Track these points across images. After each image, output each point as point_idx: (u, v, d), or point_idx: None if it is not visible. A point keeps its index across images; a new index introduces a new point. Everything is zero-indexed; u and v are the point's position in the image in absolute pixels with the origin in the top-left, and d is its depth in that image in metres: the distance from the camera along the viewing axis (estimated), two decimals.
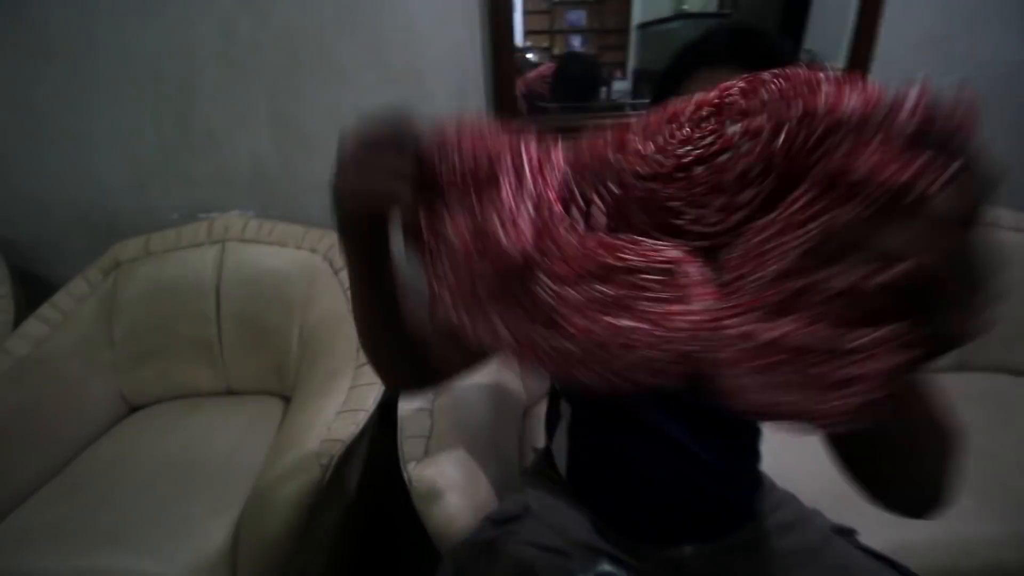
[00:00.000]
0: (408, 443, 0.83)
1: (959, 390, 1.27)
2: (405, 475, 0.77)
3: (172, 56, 1.21)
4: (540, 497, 0.73)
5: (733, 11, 1.41)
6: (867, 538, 0.73)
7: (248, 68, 1.22)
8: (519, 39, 1.28)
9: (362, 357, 1.02)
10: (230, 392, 1.25)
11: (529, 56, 1.35)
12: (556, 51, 1.36)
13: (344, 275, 1.18)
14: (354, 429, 0.86)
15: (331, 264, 1.19)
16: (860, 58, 1.30)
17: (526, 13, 1.27)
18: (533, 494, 0.74)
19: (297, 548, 0.79)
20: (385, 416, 0.95)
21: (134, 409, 1.21)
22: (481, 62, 1.24)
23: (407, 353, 0.55)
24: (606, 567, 0.57)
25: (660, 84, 0.58)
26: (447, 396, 0.93)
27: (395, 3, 1.18)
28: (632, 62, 1.38)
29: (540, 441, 0.85)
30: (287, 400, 1.19)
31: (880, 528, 0.82)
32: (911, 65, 1.32)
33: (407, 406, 0.91)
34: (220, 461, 1.01)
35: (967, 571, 0.88)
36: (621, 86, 1.39)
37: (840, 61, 1.33)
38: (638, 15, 1.35)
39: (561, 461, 0.73)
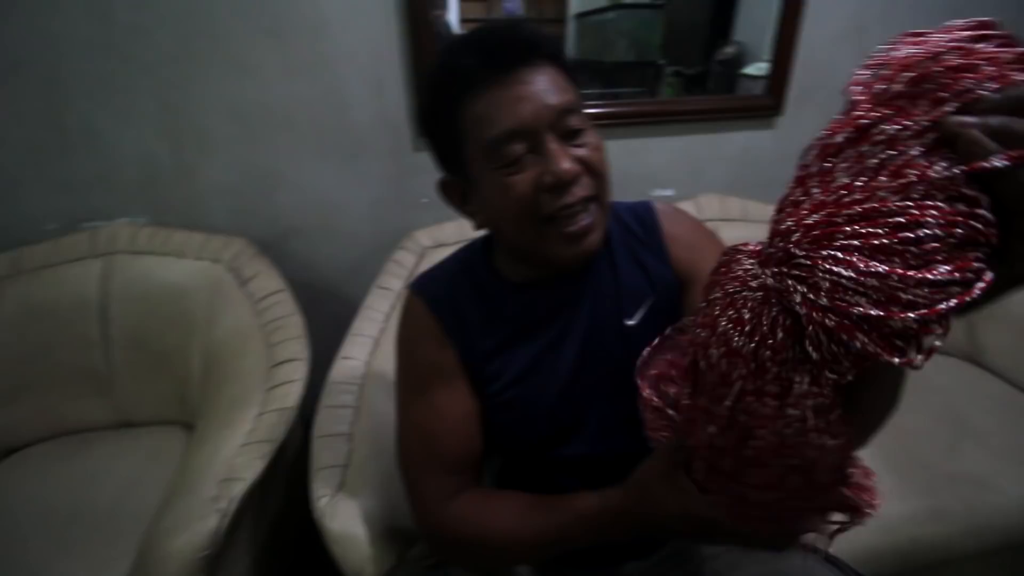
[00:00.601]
0: (321, 475, 0.74)
1: None
2: (315, 513, 0.69)
3: (34, 44, 1.04)
4: None
5: (666, 2, 1.40)
6: None
7: (130, 57, 1.07)
8: (456, 27, 1.21)
9: (274, 378, 0.92)
10: (128, 424, 1.11)
11: None
12: None
13: (253, 285, 1.07)
14: (260, 465, 0.77)
15: (236, 275, 1.07)
16: (785, 50, 1.31)
17: (462, 0, 1.20)
18: None
19: None
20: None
21: (9, 452, 1.05)
22: (399, 51, 1.15)
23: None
24: None
25: (428, 126, 0.56)
26: (369, 418, 0.85)
27: None
28: (570, 52, 1.34)
29: None
30: (190, 429, 1.07)
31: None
32: (831, 56, 1.34)
33: (322, 430, 0.82)
34: (109, 507, 0.88)
35: (888, 548, 0.90)
36: None
37: (766, 53, 1.33)
38: (575, 5, 1.33)
39: None
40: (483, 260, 0.63)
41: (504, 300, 0.61)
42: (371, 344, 0.99)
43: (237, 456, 0.79)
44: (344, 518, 0.68)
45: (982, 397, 1.21)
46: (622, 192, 0.64)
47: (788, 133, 1.40)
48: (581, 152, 0.52)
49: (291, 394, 0.88)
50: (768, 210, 1.26)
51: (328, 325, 1.09)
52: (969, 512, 0.93)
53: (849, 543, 0.87)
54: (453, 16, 1.23)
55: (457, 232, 1.16)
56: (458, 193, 0.58)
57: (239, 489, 0.73)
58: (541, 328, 0.61)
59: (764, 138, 1.40)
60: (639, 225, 0.64)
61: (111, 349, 1.05)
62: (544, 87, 0.50)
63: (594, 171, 0.53)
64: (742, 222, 1.30)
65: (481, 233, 0.63)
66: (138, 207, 1.17)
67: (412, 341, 0.62)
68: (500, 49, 0.50)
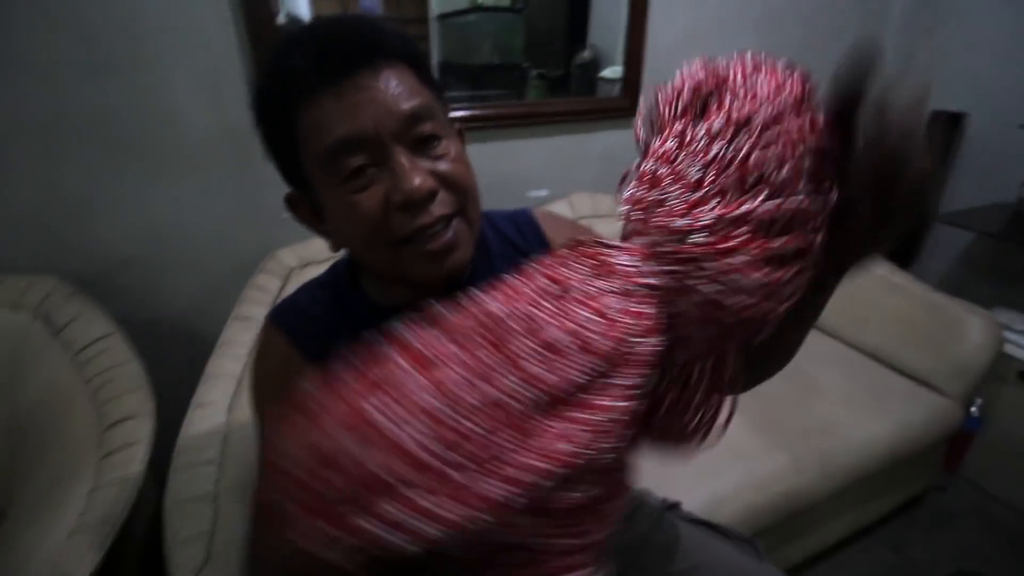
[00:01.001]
0: (181, 551, 0.63)
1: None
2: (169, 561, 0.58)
3: None
4: None
5: (524, 6, 1.41)
6: (686, 500, 0.79)
7: None
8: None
9: (109, 443, 0.76)
10: None
11: None
12: None
13: (70, 332, 0.88)
14: (94, 557, 0.62)
15: (47, 322, 0.88)
16: (634, 55, 1.40)
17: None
18: None
19: None
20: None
21: None
22: (238, 48, 1.02)
23: None
24: None
25: (263, 134, 0.48)
26: (236, 473, 0.73)
27: None
28: (435, 54, 1.34)
29: None
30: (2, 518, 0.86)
31: (696, 490, 0.91)
32: (675, 59, 1.45)
33: (178, 494, 0.70)
34: None
35: (764, 504, 0.99)
36: None
37: (619, 57, 1.41)
38: (436, 6, 1.30)
39: None
40: (347, 283, 0.56)
41: (372, 320, 0.55)
42: (232, 384, 0.87)
43: (65, 548, 0.63)
44: None
45: (818, 355, 1.39)
46: (498, 194, 0.61)
47: None
48: (438, 165, 0.46)
49: (133, 460, 0.73)
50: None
51: (178, 370, 0.95)
52: (823, 459, 1.06)
53: (730, 506, 0.96)
54: (304, 14, 1.13)
55: (325, 249, 1.07)
56: (308, 210, 0.51)
57: None
58: None
59: (625, 137, 1.48)
60: (519, 234, 0.61)
61: None
62: (389, 91, 0.44)
63: (453, 185, 0.47)
64: (594, 217, 1.36)
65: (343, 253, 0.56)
66: None
67: (269, 377, 0.55)
68: (337, 48, 0.44)
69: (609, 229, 0.64)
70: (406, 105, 0.44)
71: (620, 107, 1.44)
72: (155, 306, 1.12)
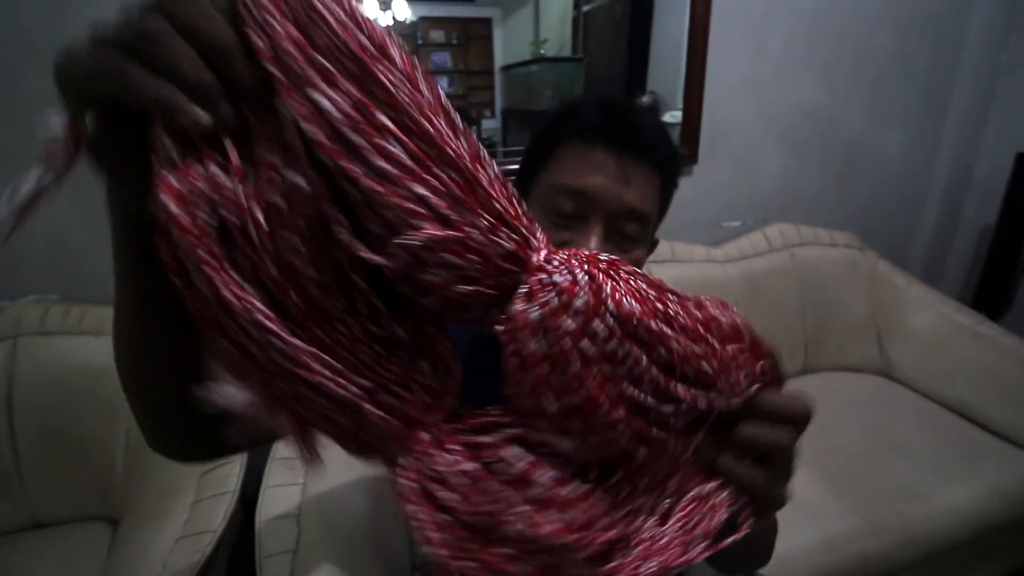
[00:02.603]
0: (268, 564, 0.69)
1: (808, 389, 1.41)
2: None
3: None
4: None
5: (585, 56, 1.50)
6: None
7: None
8: None
9: (209, 463, 0.86)
10: (37, 525, 0.99)
11: None
12: None
13: None
14: (198, 559, 0.70)
15: None
16: (694, 101, 1.43)
17: None
18: None
19: None
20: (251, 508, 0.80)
21: None
22: None
23: (182, 401, 0.32)
24: None
25: (531, 151, 0.56)
26: (317, 496, 0.80)
27: None
28: (499, 102, 1.44)
29: None
30: (115, 524, 0.97)
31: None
32: (733, 105, 1.48)
33: (267, 512, 0.77)
34: None
35: (835, 567, 0.94)
36: (491, 124, 1.46)
37: (678, 102, 1.45)
38: (500, 58, 1.40)
39: None
40: None
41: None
42: None
43: (172, 552, 0.72)
44: None
45: (899, 409, 1.32)
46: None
47: (703, 178, 1.51)
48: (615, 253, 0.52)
49: (230, 476, 0.82)
50: (692, 250, 1.35)
51: None
52: (904, 524, 1.00)
53: (798, 565, 0.92)
54: None
55: None
56: None
57: None
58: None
59: (683, 184, 1.50)
60: None
61: (18, 442, 0.95)
62: (634, 181, 0.50)
63: None
64: (672, 263, 1.38)
65: None
66: (47, 283, 1.08)
67: None
68: (625, 127, 0.51)
69: (668, 273, 0.67)
70: (636, 202, 0.50)
71: (680, 154, 1.48)
72: None
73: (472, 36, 1.37)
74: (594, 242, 0.49)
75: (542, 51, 1.44)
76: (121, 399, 1.09)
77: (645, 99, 1.61)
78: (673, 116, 1.49)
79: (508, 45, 1.40)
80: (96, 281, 1.11)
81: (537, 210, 0.52)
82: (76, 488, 0.98)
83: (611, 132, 0.51)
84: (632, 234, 0.51)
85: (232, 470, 0.83)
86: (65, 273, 1.09)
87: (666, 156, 0.53)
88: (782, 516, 0.85)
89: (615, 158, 0.50)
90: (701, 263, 1.41)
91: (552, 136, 0.54)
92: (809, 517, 0.98)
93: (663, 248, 1.40)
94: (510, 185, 0.30)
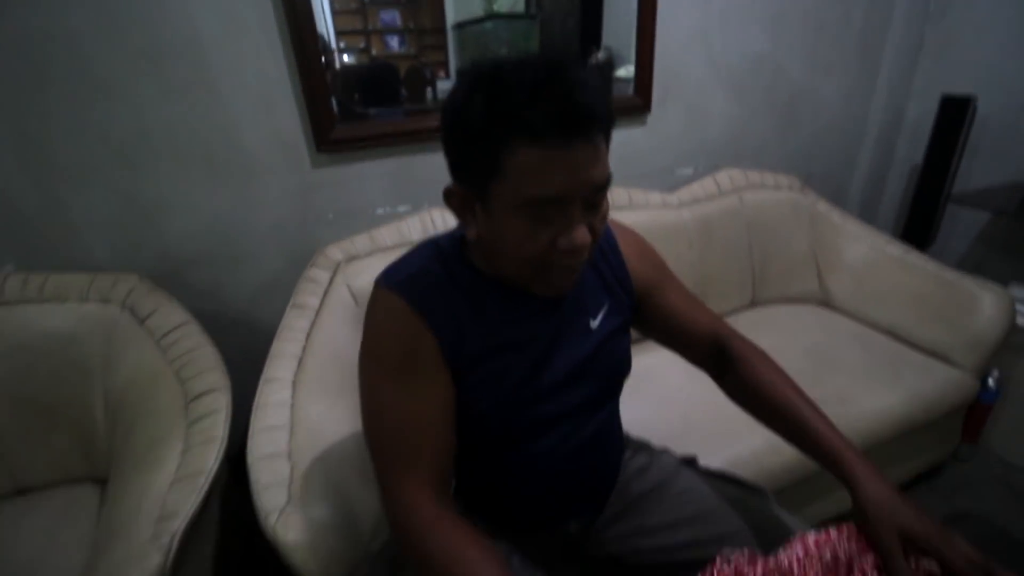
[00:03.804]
0: (265, 494, 0.73)
1: (753, 320, 1.53)
2: (267, 531, 0.69)
3: None
4: None
5: (538, 12, 1.50)
6: (705, 461, 0.85)
7: None
8: (332, 40, 1.22)
9: (194, 412, 0.88)
10: (20, 491, 0.99)
11: (345, 57, 1.29)
12: (375, 52, 1.32)
13: (154, 321, 1.00)
14: (196, 498, 0.74)
15: (133, 313, 1.01)
16: (645, 53, 1.47)
17: (335, 13, 1.22)
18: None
19: None
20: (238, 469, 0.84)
21: None
22: (286, 67, 1.14)
23: None
24: None
25: (469, 157, 0.52)
26: (305, 435, 0.84)
27: (169, 5, 1.03)
28: (453, 61, 1.40)
29: None
30: (103, 484, 0.99)
31: (714, 452, 0.98)
32: (683, 56, 1.53)
33: (259, 452, 0.81)
34: (22, 574, 0.80)
35: (779, 466, 1.06)
36: (446, 85, 1.41)
37: (631, 55, 1.49)
38: (452, 15, 1.37)
39: None
40: (460, 257, 0.63)
41: (487, 297, 0.62)
42: (294, 363, 0.98)
43: (169, 493, 0.75)
44: (298, 529, 0.68)
45: (835, 333, 1.45)
46: None
47: (657, 128, 1.57)
48: (595, 221, 0.54)
49: (217, 424, 0.85)
50: (649, 197, 1.43)
51: (240, 356, 1.06)
52: (836, 426, 1.12)
53: (746, 468, 1.03)
54: (331, 32, 1.24)
55: (369, 244, 1.18)
56: (462, 205, 0.57)
57: (179, 524, 0.70)
58: (523, 334, 0.63)
59: (638, 134, 1.56)
60: (604, 243, 0.71)
61: None
62: (592, 161, 0.50)
63: (597, 237, 0.56)
64: (629, 209, 1.45)
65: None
66: (2, 252, 1.05)
67: (391, 332, 0.59)
68: (567, 111, 0.47)
69: (627, 218, 0.72)
70: (600, 176, 0.52)
71: (634, 105, 1.52)
72: (218, 300, 1.25)
73: None
74: (580, 226, 0.52)
75: (495, 7, 1.42)
76: (94, 363, 1.10)
77: (600, 55, 1.64)
78: (627, 71, 1.53)
79: (460, 1, 1.37)
80: (53, 247, 1.09)
81: (505, 218, 0.52)
82: (56, 452, 0.99)
83: (556, 123, 0.47)
84: (602, 196, 0.55)
85: (218, 419, 0.86)
86: (19, 242, 1.06)
87: (607, 114, 0.51)
88: (736, 425, 0.95)
89: (570, 147, 0.48)
90: (657, 209, 1.48)
91: (491, 143, 0.49)
92: (756, 425, 1.08)
93: (621, 195, 1.46)
94: None
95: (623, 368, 0.73)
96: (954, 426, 1.40)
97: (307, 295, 1.09)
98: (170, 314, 1.03)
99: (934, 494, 1.41)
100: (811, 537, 0.55)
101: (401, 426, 0.58)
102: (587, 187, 0.51)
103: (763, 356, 0.73)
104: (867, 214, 2.08)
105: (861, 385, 1.23)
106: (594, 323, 0.68)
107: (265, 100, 1.15)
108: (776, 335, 1.42)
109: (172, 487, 0.76)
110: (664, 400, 1.18)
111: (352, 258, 1.16)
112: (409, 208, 1.33)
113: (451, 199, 0.58)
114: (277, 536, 0.68)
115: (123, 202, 1.12)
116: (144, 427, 0.89)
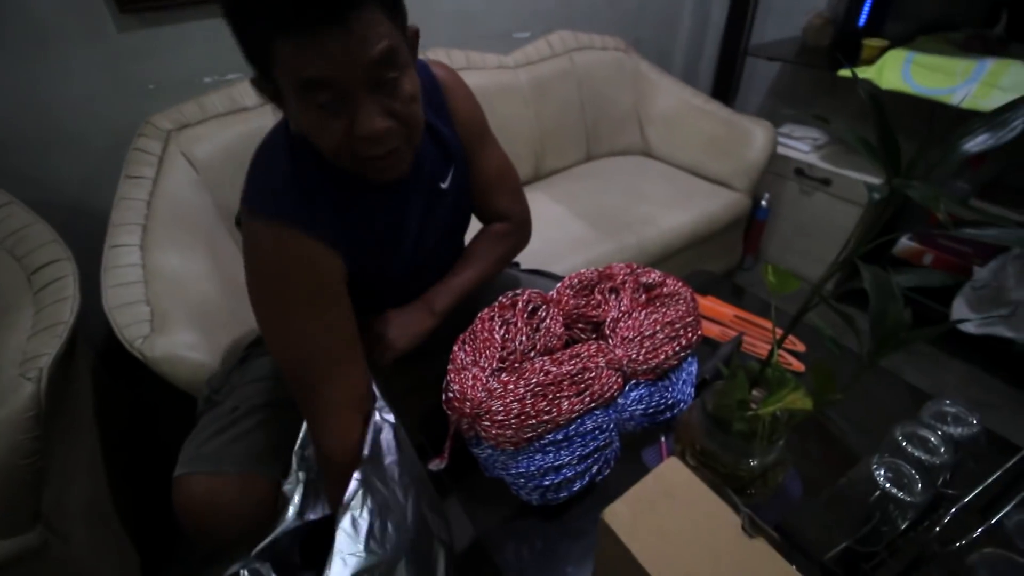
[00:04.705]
0: (127, 330, 0.81)
1: (584, 171, 1.75)
2: (136, 355, 0.78)
3: None
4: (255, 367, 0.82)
5: None
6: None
7: None
8: None
9: (39, 282, 0.90)
10: None
11: None
12: None
13: None
14: (58, 342, 0.80)
15: None
16: None
17: None
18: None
19: (40, 473, 0.75)
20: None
21: None
22: None
23: None
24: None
25: (246, 50, 0.51)
26: (160, 283, 0.91)
27: None
28: None
29: None
30: None
31: (549, 265, 1.17)
32: None
33: (116, 301, 0.86)
34: None
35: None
36: None
37: None
38: None
39: None
40: (305, 149, 0.58)
41: (344, 190, 0.61)
42: (139, 231, 1.00)
43: (28, 344, 0.80)
44: (164, 346, 0.78)
45: (649, 174, 1.71)
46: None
47: None
48: (395, 104, 0.52)
49: (66, 286, 0.88)
50: (486, 58, 1.52)
51: (77, 242, 1.00)
52: (640, 241, 1.40)
53: (568, 271, 1.26)
54: None
55: (199, 111, 1.17)
56: (272, 94, 0.54)
57: (45, 361, 0.76)
58: (389, 219, 0.66)
59: None
60: (431, 97, 0.70)
61: None
62: (360, 35, 0.47)
63: (406, 122, 0.53)
64: (468, 70, 1.53)
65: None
66: None
67: (291, 264, 0.57)
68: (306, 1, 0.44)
69: (469, 80, 0.79)
70: (374, 51, 0.47)
71: None
72: (46, 187, 1.18)
73: None
74: (369, 113, 0.50)
75: None
76: None
77: None
78: None
79: None
80: None
81: (303, 109, 0.51)
82: None
83: (296, 10, 0.45)
84: (392, 75, 0.51)
85: (66, 282, 0.89)
86: None
87: None
88: (561, 248, 1.14)
89: (316, 34, 0.46)
90: (494, 70, 1.58)
91: (251, 35, 0.48)
92: (579, 246, 1.33)
93: (459, 57, 1.53)
94: None
95: (471, 212, 0.83)
96: (736, 240, 1.76)
97: (140, 165, 1.09)
98: None
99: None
100: (567, 277, 0.76)
101: (319, 354, 0.58)
102: (356, 67, 0.48)
103: (502, 236, 0.85)
104: (689, 74, 2.33)
105: (662, 210, 1.51)
106: (444, 184, 0.72)
107: None
108: (602, 181, 1.66)
109: (30, 340, 0.81)
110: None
111: (183, 126, 1.15)
112: (240, 76, 1.30)
113: (262, 89, 0.55)
114: (144, 356, 0.77)
115: None
116: None
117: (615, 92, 1.80)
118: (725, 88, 2.10)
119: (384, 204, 0.66)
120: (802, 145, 1.75)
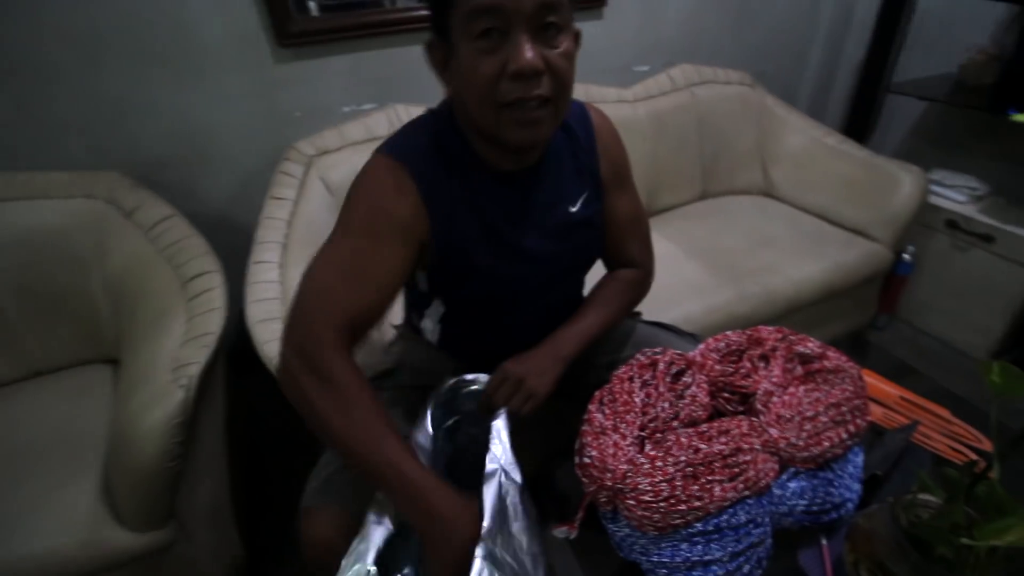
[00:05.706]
0: (266, 347, 0.85)
1: (700, 211, 1.67)
2: (268, 362, 0.81)
3: None
4: (410, 351, 0.84)
5: None
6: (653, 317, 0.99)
7: None
8: None
9: (192, 290, 0.98)
10: (38, 374, 1.10)
11: None
12: None
13: (140, 216, 1.07)
14: (206, 351, 0.85)
15: (118, 207, 1.07)
16: None
17: None
18: (402, 348, 0.85)
19: (178, 475, 0.80)
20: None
21: None
22: None
23: None
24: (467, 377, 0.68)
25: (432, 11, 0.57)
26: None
27: None
28: None
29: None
30: (113, 363, 1.10)
31: (664, 312, 1.11)
32: None
33: (257, 317, 0.91)
34: (53, 437, 0.92)
35: (712, 323, 1.22)
36: None
37: None
38: None
39: (431, 337, 0.80)
40: (451, 125, 0.64)
41: (482, 187, 0.65)
42: (279, 249, 1.07)
43: (180, 350, 0.86)
44: None
45: (773, 217, 1.60)
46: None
47: (614, 22, 1.60)
48: (550, 54, 0.54)
49: (215, 298, 0.95)
50: (605, 92, 1.51)
51: (222, 255, 1.08)
52: (765, 291, 1.29)
53: (685, 319, 1.19)
54: None
55: (338, 138, 1.23)
56: (440, 58, 0.59)
57: (195, 369, 0.82)
58: (509, 216, 0.67)
59: (596, 29, 1.60)
60: (581, 129, 0.72)
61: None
62: None
63: (556, 75, 0.55)
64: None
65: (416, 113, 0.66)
66: None
67: (378, 188, 0.61)
68: None
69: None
70: None
71: None
72: (196, 200, 1.30)
73: None
74: (523, 46, 0.52)
75: None
76: (87, 254, 1.17)
77: None
78: None
79: None
80: (23, 150, 1.12)
81: (466, 49, 0.54)
82: (64, 337, 1.08)
83: None
84: (554, 21, 0.54)
85: (216, 294, 0.96)
86: None
87: None
88: (674, 293, 1.07)
89: None
90: (614, 104, 1.55)
91: None
92: (694, 291, 1.25)
93: (579, 91, 1.51)
94: None
95: (596, 252, 0.81)
96: (871, 296, 1.59)
97: (284, 187, 1.16)
98: (154, 208, 1.09)
99: (854, 353, 1.62)
100: (711, 339, 0.70)
101: (354, 274, 0.59)
102: (529, 4, 0.51)
103: (629, 283, 0.83)
104: (816, 109, 2.18)
105: (788, 258, 1.39)
106: (573, 208, 0.72)
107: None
108: (719, 221, 1.57)
109: (182, 347, 0.87)
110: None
111: (323, 152, 1.22)
112: (375, 106, 1.37)
113: (432, 52, 0.60)
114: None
115: (90, 102, 1.14)
116: (146, 307, 0.99)
117: (737, 128, 1.71)
118: (859, 127, 1.94)
119: (500, 196, 0.66)
120: (956, 195, 1.56)
